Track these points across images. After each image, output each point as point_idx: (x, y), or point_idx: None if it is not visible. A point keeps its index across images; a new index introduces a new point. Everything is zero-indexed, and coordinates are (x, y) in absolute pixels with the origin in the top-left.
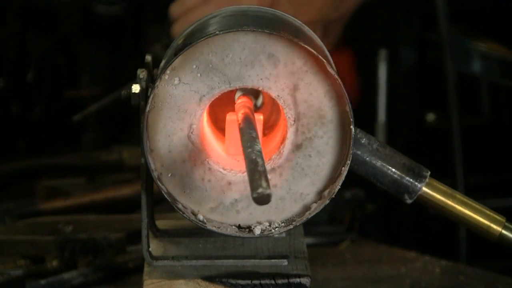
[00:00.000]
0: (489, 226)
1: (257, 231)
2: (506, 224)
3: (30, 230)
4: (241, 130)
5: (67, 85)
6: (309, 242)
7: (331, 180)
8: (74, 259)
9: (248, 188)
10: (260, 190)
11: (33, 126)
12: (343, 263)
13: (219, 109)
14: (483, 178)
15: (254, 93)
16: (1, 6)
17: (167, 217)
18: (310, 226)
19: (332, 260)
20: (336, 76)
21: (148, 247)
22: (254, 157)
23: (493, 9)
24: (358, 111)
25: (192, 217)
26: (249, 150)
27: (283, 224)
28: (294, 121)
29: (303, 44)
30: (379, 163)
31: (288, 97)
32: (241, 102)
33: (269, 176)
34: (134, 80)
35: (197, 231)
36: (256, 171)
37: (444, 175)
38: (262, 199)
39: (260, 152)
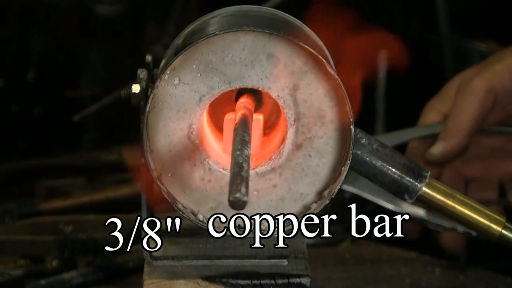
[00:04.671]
0: (489, 226)
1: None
2: (506, 224)
3: (30, 230)
4: (235, 130)
5: (67, 85)
6: (309, 242)
7: (331, 180)
8: (74, 259)
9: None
10: (237, 195)
11: (33, 126)
12: (343, 263)
13: (219, 109)
14: None
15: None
16: (1, 6)
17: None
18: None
19: (332, 260)
20: (336, 76)
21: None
22: (240, 161)
23: (493, 9)
24: (358, 111)
25: (192, 217)
26: (238, 153)
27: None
28: (294, 121)
29: (303, 44)
30: (379, 163)
31: (288, 97)
32: (242, 102)
33: (269, 176)
34: (134, 80)
35: (197, 231)
36: (239, 175)
37: None
38: (237, 204)
39: (248, 157)
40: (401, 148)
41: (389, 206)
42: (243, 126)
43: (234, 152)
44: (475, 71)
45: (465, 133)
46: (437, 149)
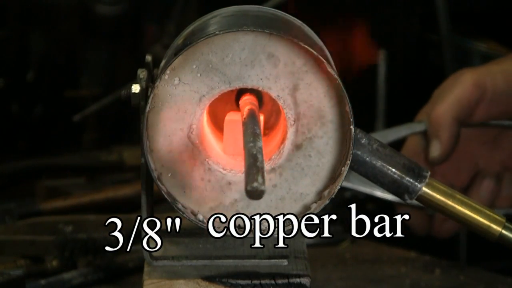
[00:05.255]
0: (489, 226)
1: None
2: (506, 224)
3: (30, 230)
4: (245, 124)
5: (67, 85)
6: (309, 242)
7: (331, 180)
8: (74, 259)
9: None
10: (255, 184)
11: (33, 126)
12: (343, 263)
13: (219, 109)
14: None
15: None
16: (1, 6)
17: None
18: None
19: (332, 260)
20: (336, 76)
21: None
22: (254, 152)
23: (493, 9)
24: (358, 111)
25: (192, 217)
26: (251, 145)
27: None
28: (294, 121)
29: (303, 44)
30: (379, 163)
31: (288, 97)
32: (247, 99)
33: (269, 176)
34: (134, 80)
35: (197, 231)
36: (254, 166)
37: None
38: (255, 194)
39: (261, 148)
40: (394, 145)
41: (387, 196)
42: (252, 120)
43: (246, 144)
44: (467, 69)
45: (450, 121)
46: (435, 151)
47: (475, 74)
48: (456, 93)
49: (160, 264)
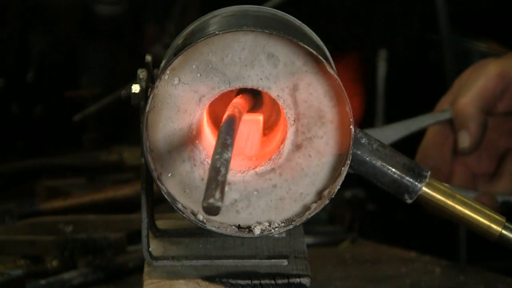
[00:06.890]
0: (489, 226)
1: (257, 231)
2: (506, 224)
3: (30, 230)
4: (219, 133)
5: (67, 85)
6: (309, 242)
7: (331, 180)
8: (74, 259)
9: (248, 188)
10: (211, 200)
11: (33, 126)
12: (343, 263)
13: (219, 109)
14: None
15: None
16: (1, 6)
17: (167, 217)
18: (310, 226)
19: (332, 260)
20: (336, 76)
21: (148, 247)
22: (218, 165)
23: (493, 9)
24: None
25: (192, 217)
26: (217, 157)
27: (283, 224)
28: (294, 121)
29: (303, 44)
30: (379, 163)
31: (288, 97)
32: (234, 103)
33: (269, 176)
34: (134, 80)
35: (197, 231)
36: (214, 180)
37: None
38: (211, 210)
39: (227, 161)
40: (406, 140)
41: None
42: (227, 128)
43: (213, 155)
44: (491, 59)
45: (477, 112)
46: (464, 141)
47: (499, 65)
48: (480, 84)
49: (160, 264)
